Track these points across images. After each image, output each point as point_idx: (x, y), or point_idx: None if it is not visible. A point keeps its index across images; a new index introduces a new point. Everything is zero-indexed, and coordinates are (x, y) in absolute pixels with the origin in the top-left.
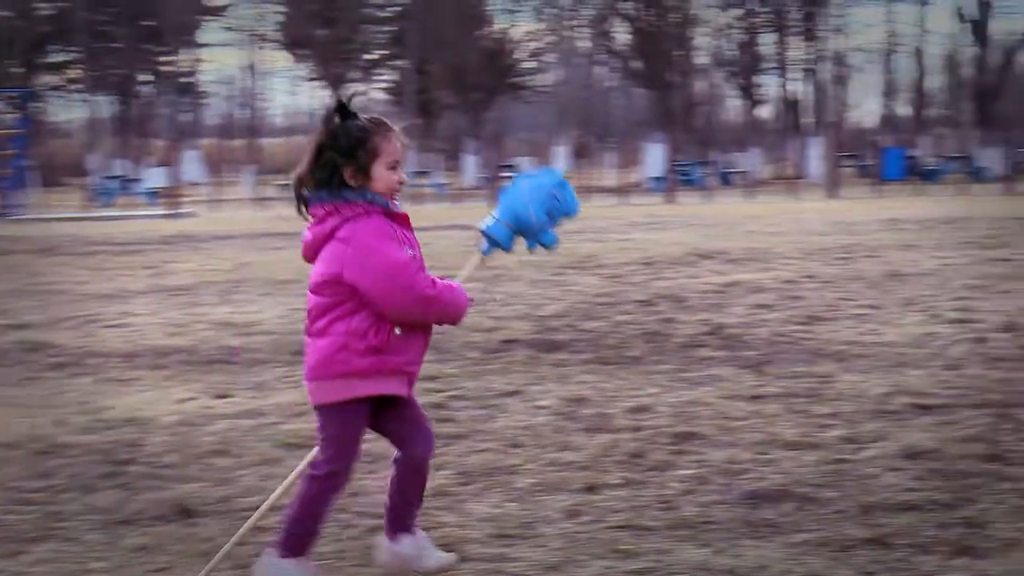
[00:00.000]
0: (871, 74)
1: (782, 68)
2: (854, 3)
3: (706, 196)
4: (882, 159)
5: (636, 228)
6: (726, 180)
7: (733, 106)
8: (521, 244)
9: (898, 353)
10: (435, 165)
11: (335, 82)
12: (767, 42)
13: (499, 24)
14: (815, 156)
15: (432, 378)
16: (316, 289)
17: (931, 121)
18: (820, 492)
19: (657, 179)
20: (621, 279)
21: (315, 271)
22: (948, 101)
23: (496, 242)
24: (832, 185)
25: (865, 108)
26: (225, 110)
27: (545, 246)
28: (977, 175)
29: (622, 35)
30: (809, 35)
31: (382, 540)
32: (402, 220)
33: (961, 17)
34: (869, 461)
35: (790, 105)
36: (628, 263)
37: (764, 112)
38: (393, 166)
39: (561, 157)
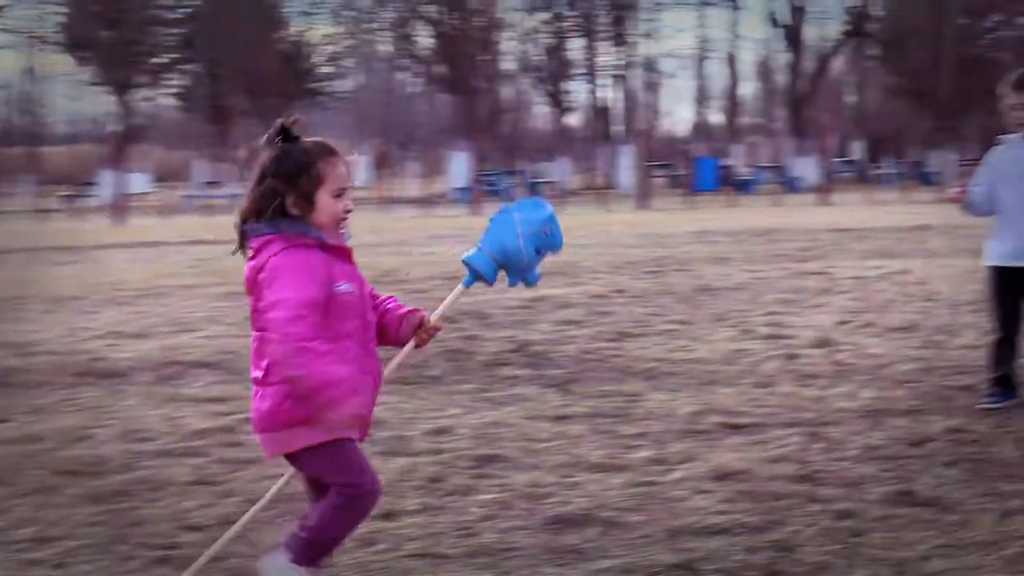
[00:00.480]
0: (683, 80)
1: (591, 74)
2: (665, 7)
3: None
4: (694, 168)
5: (439, 241)
6: (534, 190)
7: (541, 113)
8: (501, 277)
9: (708, 370)
10: (228, 175)
11: (121, 87)
12: (575, 47)
13: (295, 27)
14: (625, 165)
15: (221, 400)
16: (252, 323)
17: (744, 129)
18: (626, 516)
19: (462, 189)
20: (424, 294)
21: (251, 306)
22: (762, 109)
23: (479, 274)
24: (643, 196)
25: (677, 116)
26: (3, 116)
27: (528, 284)
28: (791, 185)
29: (424, 39)
30: (619, 40)
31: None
32: (340, 253)
33: (774, 22)
34: (677, 483)
35: (599, 112)
36: (431, 277)
37: (573, 120)
38: (339, 193)
39: (361, 166)
